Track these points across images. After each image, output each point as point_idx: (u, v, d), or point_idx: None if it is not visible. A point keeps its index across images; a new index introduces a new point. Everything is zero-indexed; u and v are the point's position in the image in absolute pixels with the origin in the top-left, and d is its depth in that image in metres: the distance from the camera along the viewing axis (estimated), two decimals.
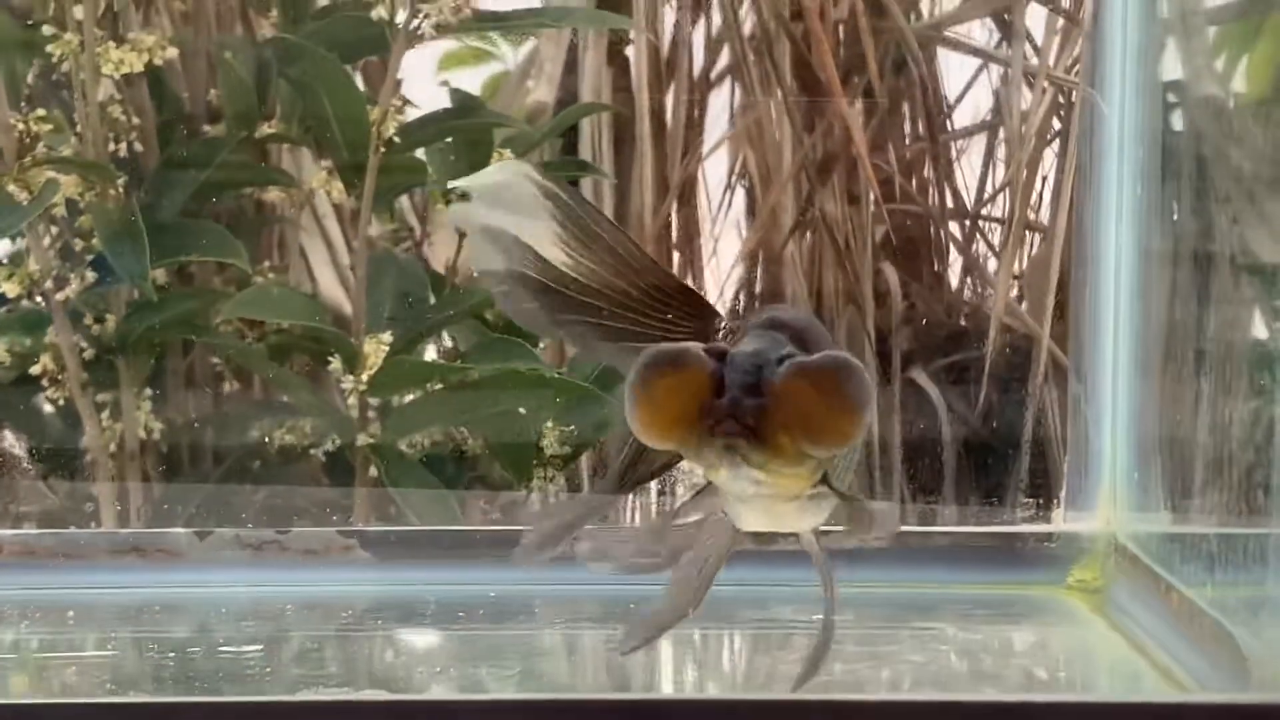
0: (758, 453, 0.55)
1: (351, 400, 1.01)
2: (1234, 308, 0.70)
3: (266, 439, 1.08)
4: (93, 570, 0.77)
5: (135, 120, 1.05)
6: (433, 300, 1.08)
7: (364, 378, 1.00)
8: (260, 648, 0.68)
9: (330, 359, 1.03)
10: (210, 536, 0.78)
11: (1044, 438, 0.98)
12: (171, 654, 0.69)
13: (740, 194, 1.41)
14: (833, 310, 1.40)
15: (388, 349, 1.01)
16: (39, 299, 1.03)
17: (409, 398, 1.03)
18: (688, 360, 0.55)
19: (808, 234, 1.40)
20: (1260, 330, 0.67)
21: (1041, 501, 0.84)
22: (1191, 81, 0.85)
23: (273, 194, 1.14)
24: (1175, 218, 0.80)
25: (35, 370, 1.01)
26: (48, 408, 1.05)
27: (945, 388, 1.27)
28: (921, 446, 1.14)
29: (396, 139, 1.04)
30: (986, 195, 1.44)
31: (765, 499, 0.57)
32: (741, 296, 1.44)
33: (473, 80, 1.24)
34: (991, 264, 1.47)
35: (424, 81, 1.19)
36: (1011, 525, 0.77)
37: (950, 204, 1.42)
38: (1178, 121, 0.85)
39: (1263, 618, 0.60)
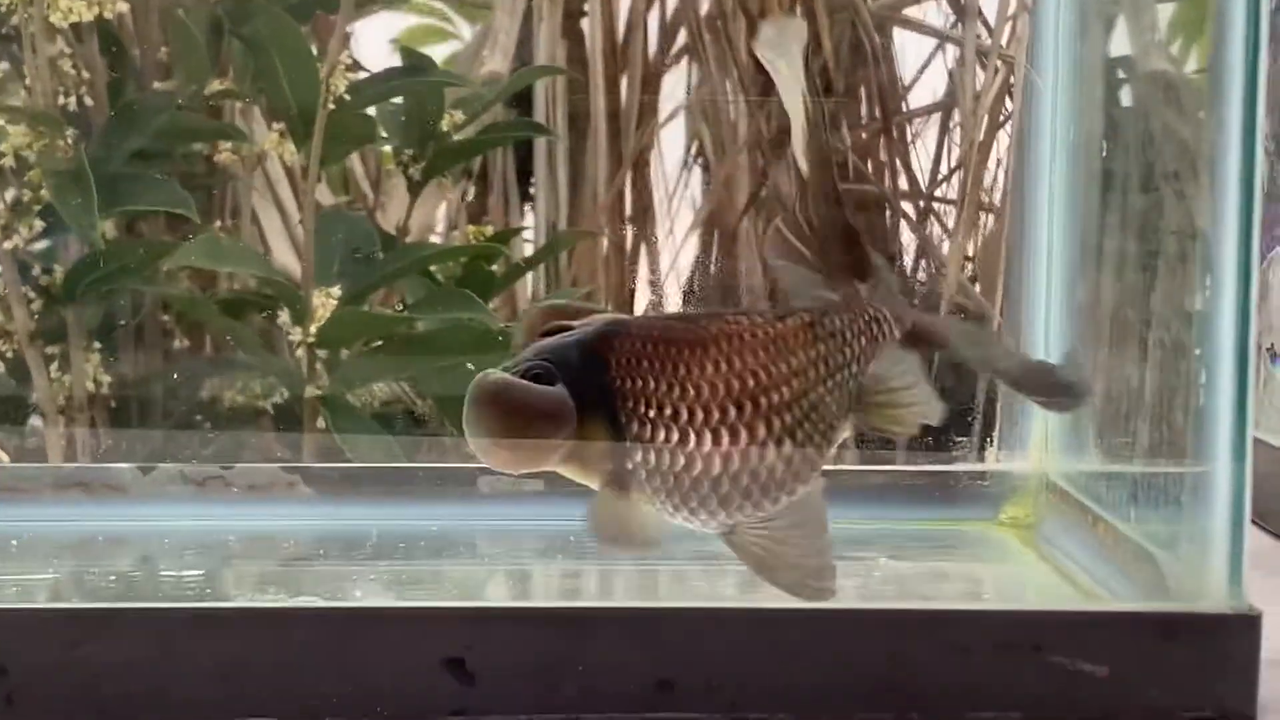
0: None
1: (299, 353, 1.02)
2: (1164, 274, 0.72)
3: (215, 393, 1.09)
4: (38, 505, 0.78)
5: (85, 75, 1.05)
6: (381, 256, 1.09)
7: (311, 330, 1.01)
8: (201, 573, 0.69)
9: (279, 312, 1.04)
10: (154, 472, 0.79)
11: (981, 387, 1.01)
12: (112, 577, 0.69)
13: (695, 171, 1.43)
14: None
15: (336, 303, 1.03)
16: None
17: (357, 352, 1.04)
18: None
19: (762, 211, 1.42)
20: (1185, 293, 0.70)
21: (976, 444, 0.85)
22: (1138, 58, 0.87)
23: (225, 155, 1.15)
24: (1109, 189, 0.82)
25: None
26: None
27: None
28: None
29: (346, 96, 1.05)
30: (941, 176, 1.46)
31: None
32: (696, 272, 1.45)
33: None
34: (945, 244, 1.49)
35: (378, 49, 1.20)
36: (945, 465, 0.78)
37: (905, 185, 1.44)
38: (1123, 98, 0.87)
39: (1181, 542, 0.62)
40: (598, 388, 0.58)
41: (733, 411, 0.59)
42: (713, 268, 1.42)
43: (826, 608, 0.55)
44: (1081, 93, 0.84)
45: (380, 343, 1.04)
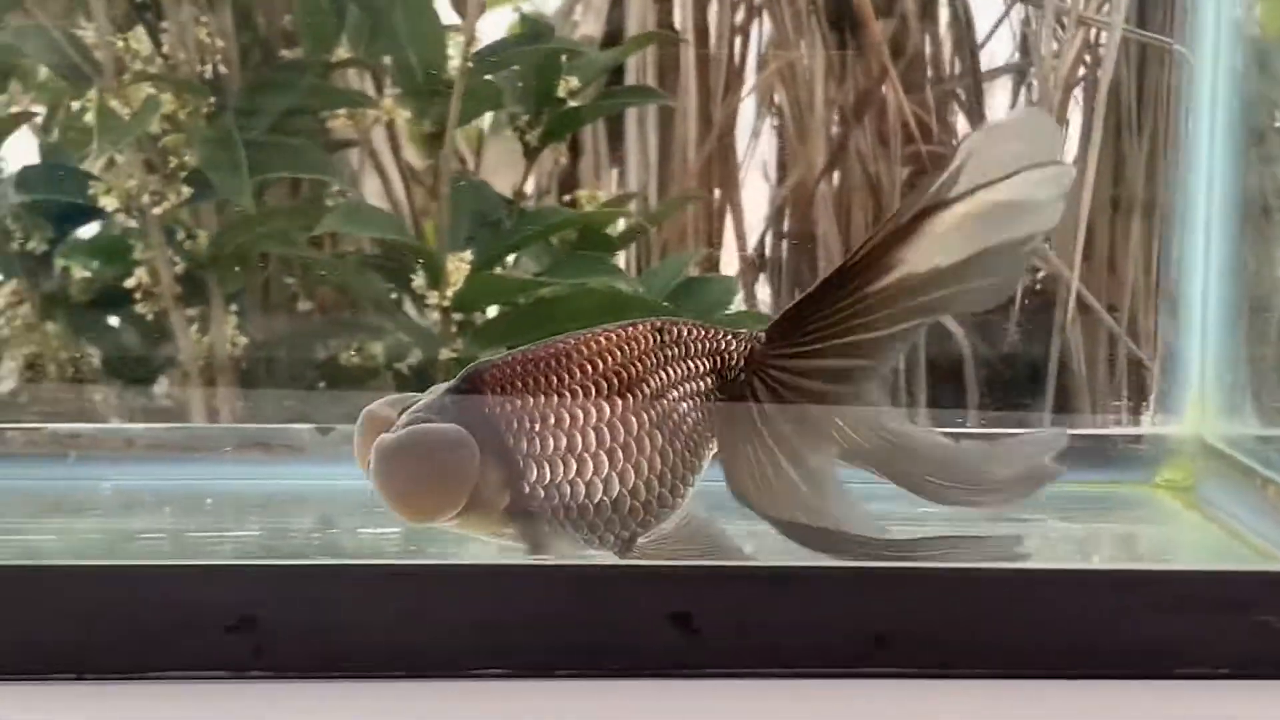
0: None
1: (435, 316, 1.05)
2: None
3: (347, 354, 1.11)
4: (220, 464, 0.81)
5: (219, 43, 1.08)
6: (507, 222, 1.12)
7: (448, 294, 1.04)
8: (397, 529, 0.72)
9: (412, 277, 1.06)
10: (332, 432, 0.81)
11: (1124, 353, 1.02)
12: (315, 535, 0.72)
13: (770, 133, 1.45)
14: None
15: (469, 267, 1.05)
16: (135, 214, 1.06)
17: (490, 314, 1.07)
18: (365, 421, 0.63)
19: (835, 174, 1.44)
20: None
21: (1132, 407, 0.87)
22: None
23: (339, 122, 1.17)
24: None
25: (130, 284, 1.05)
26: (141, 321, 1.08)
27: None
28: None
29: (470, 63, 1.07)
30: None
31: (479, 535, 0.63)
32: (769, 237, 1.47)
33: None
34: None
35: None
36: (1100, 429, 0.80)
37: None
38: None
39: None
40: (481, 420, 0.62)
41: (606, 410, 0.63)
42: (790, 232, 1.44)
43: (1032, 568, 0.57)
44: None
45: (514, 306, 1.06)
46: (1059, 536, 0.72)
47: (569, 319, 1.06)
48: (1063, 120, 1.43)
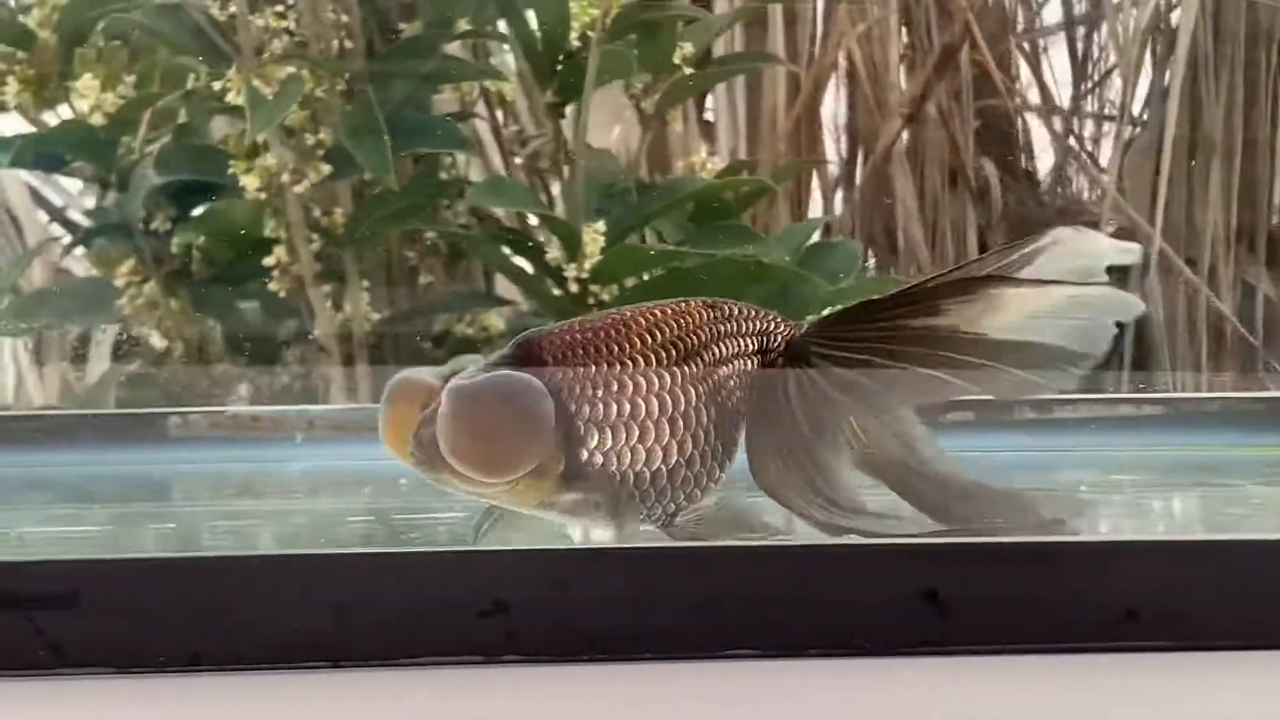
0: (435, 477, 0.61)
1: (573, 288, 1.05)
2: None
3: (481, 328, 1.12)
4: None
5: (344, 19, 1.08)
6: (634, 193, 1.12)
7: (585, 266, 1.04)
8: None
9: (545, 250, 1.06)
10: None
11: None
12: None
13: (847, 95, 1.45)
14: (936, 207, 1.43)
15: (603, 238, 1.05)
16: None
17: (628, 285, 1.07)
18: (401, 388, 0.61)
19: (903, 133, 1.43)
20: None
21: None
22: None
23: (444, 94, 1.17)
24: None
25: (269, 261, 1.05)
26: (276, 298, 1.09)
27: None
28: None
29: (590, 33, 1.07)
30: (1081, 90, 1.47)
31: (521, 508, 0.63)
32: (842, 193, 1.47)
33: None
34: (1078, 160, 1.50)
35: None
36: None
37: (1039, 99, 1.45)
38: None
39: None
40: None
41: (666, 379, 0.63)
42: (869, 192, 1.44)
43: None
44: None
45: (649, 277, 1.06)
46: (1262, 502, 0.72)
47: (707, 288, 1.07)
48: (1137, 73, 1.43)
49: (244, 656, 0.58)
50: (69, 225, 1.39)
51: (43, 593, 0.57)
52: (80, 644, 0.57)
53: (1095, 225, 1.39)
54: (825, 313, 0.66)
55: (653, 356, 0.63)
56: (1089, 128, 1.50)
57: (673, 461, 0.63)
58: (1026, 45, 1.52)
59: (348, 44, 1.08)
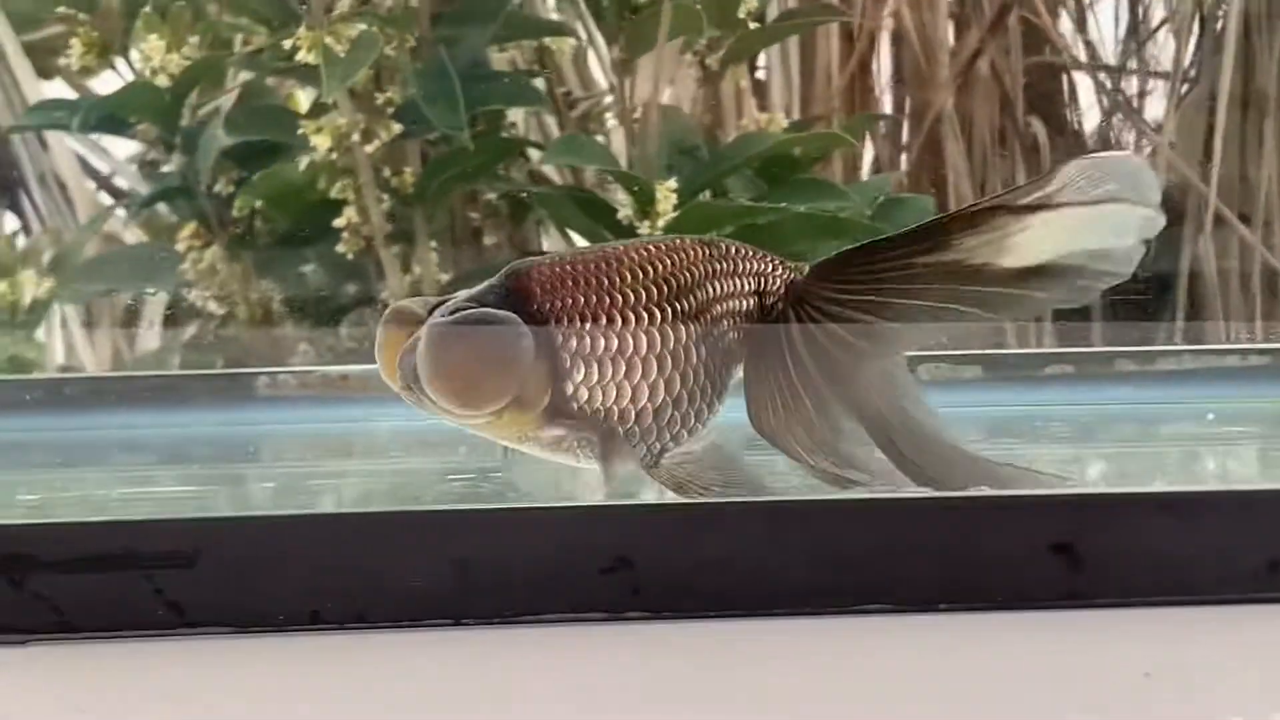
0: (419, 406, 0.60)
1: None
2: None
3: None
4: None
5: None
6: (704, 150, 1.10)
7: (659, 223, 1.03)
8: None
9: (618, 207, 1.05)
10: None
11: None
12: None
13: (891, 49, 1.43)
14: (985, 166, 1.42)
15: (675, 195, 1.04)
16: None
17: None
18: (393, 317, 0.61)
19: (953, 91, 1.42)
20: None
21: None
22: None
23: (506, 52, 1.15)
24: None
25: (339, 222, 1.04)
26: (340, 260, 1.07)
27: None
28: None
29: None
30: (1131, 46, 1.45)
31: (506, 440, 0.62)
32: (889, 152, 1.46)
33: None
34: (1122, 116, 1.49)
35: None
36: None
37: (1084, 55, 1.43)
38: None
39: None
40: (528, 315, 0.60)
41: (656, 314, 0.62)
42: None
43: None
44: None
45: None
46: None
47: (783, 244, 1.05)
48: (1189, 28, 1.42)
49: (365, 615, 0.57)
50: (115, 192, 1.38)
51: (162, 552, 0.56)
52: (200, 603, 0.56)
53: None
54: (824, 259, 0.64)
55: (643, 292, 0.62)
56: (1138, 84, 1.48)
57: (659, 399, 0.62)
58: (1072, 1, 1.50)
59: (411, 1, 1.07)
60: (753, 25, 1.13)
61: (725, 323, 0.63)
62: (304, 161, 1.04)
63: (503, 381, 0.60)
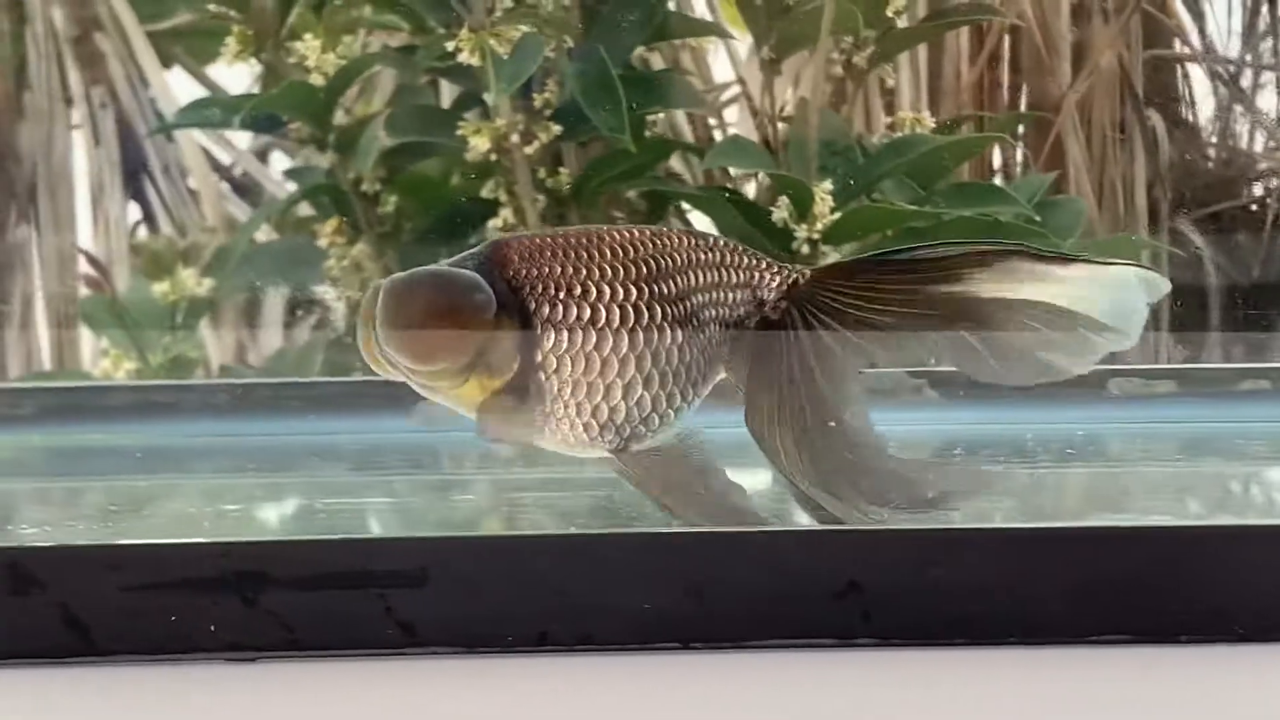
0: (379, 368, 0.61)
1: (803, 249, 1.03)
2: None
3: None
4: None
5: None
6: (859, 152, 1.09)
7: (817, 226, 1.02)
8: None
9: (773, 209, 1.04)
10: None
11: None
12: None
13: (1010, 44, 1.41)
14: (1103, 161, 1.40)
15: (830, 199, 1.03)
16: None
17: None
18: (371, 292, 0.61)
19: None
20: None
21: None
22: None
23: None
24: None
25: (495, 223, 1.04)
26: None
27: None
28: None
29: None
30: (1251, 39, 1.43)
31: (462, 406, 0.62)
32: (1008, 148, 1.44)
33: None
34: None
35: None
36: None
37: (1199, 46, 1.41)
38: None
39: None
40: (502, 281, 0.60)
41: (634, 292, 0.62)
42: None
43: None
44: None
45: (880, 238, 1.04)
46: None
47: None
48: None
49: (593, 636, 0.57)
50: (239, 186, 1.38)
51: (393, 571, 0.56)
52: (429, 623, 0.56)
53: (1269, 176, 1.36)
54: (826, 263, 0.64)
55: (622, 270, 0.62)
56: (1258, 77, 1.46)
57: (629, 376, 0.61)
58: None
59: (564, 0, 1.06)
60: (900, 23, 1.12)
61: (707, 314, 0.63)
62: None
63: (455, 337, 0.60)
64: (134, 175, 1.36)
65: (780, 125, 1.10)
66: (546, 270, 0.61)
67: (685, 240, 0.63)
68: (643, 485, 0.63)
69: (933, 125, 1.15)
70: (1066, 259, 0.61)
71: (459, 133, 1.00)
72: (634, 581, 0.56)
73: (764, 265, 0.64)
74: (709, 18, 1.14)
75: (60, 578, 0.55)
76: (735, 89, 1.21)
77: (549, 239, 0.62)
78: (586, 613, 0.56)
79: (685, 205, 1.10)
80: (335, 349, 1.15)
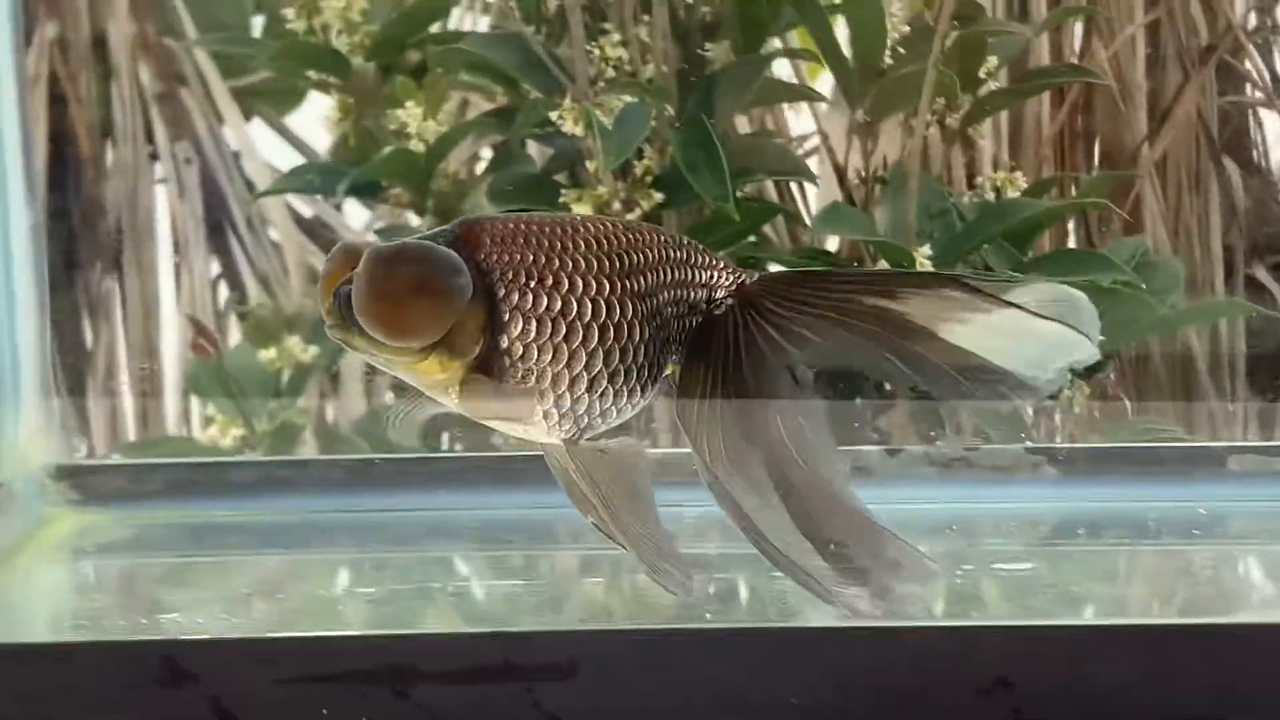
0: (345, 339, 0.60)
1: None
2: None
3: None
4: None
5: (659, 42, 1.06)
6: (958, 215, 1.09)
7: None
8: (1029, 566, 0.70)
9: None
10: (900, 454, 0.80)
11: None
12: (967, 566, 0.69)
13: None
14: (1178, 211, 1.39)
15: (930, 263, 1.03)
16: None
17: None
18: (340, 251, 0.61)
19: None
20: None
21: None
22: None
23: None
24: None
25: None
26: None
27: None
28: None
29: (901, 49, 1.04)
30: None
31: (427, 387, 0.61)
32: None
33: None
34: None
35: None
36: None
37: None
38: None
39: None
40: (473, 262, 0.60)
41: (605, 285, 0.62)
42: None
43: None
44: None
45: None
46: None
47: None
48: None
49: None
50: (316, 236, 1.39)
51: (541, 664, 0.56)
52: (577, 715, 0.57)
53: None
54: (774, 269, 0.65)
55: (595, 262, 0.62)
56: None
57: (595, 369, 0.61)
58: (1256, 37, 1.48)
59: (660, 68, 1.07)
60: (993, 85, 1.12)
61: (669, 310, 0.63)
62: None
63: (433, 315, 0.59)
64: (217, 229, 1.37)
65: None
66: (519, 257, 0.61)
67: (656, 237, 0.64)
68: (584, 478, 0.63)
69: (1025, 185, 1.15)
70: (1002, 301, 0.61)
71: (561, 199, 1.01)
72: (780, 675, 0.57)
73: (721, 265, 0.65)
74: (793, 78, 1.15)
75: (213, 670, 0.56)
76: (811, 141, 1.22)
77: (522, 224, 0.62)
78: (733, 707, 0.56)
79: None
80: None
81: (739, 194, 1.04)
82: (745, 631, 0.58)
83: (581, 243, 0.62)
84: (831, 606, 0.60)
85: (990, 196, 1.12)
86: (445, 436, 0.96)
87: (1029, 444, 0.79)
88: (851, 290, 0.62)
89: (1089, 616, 0.59)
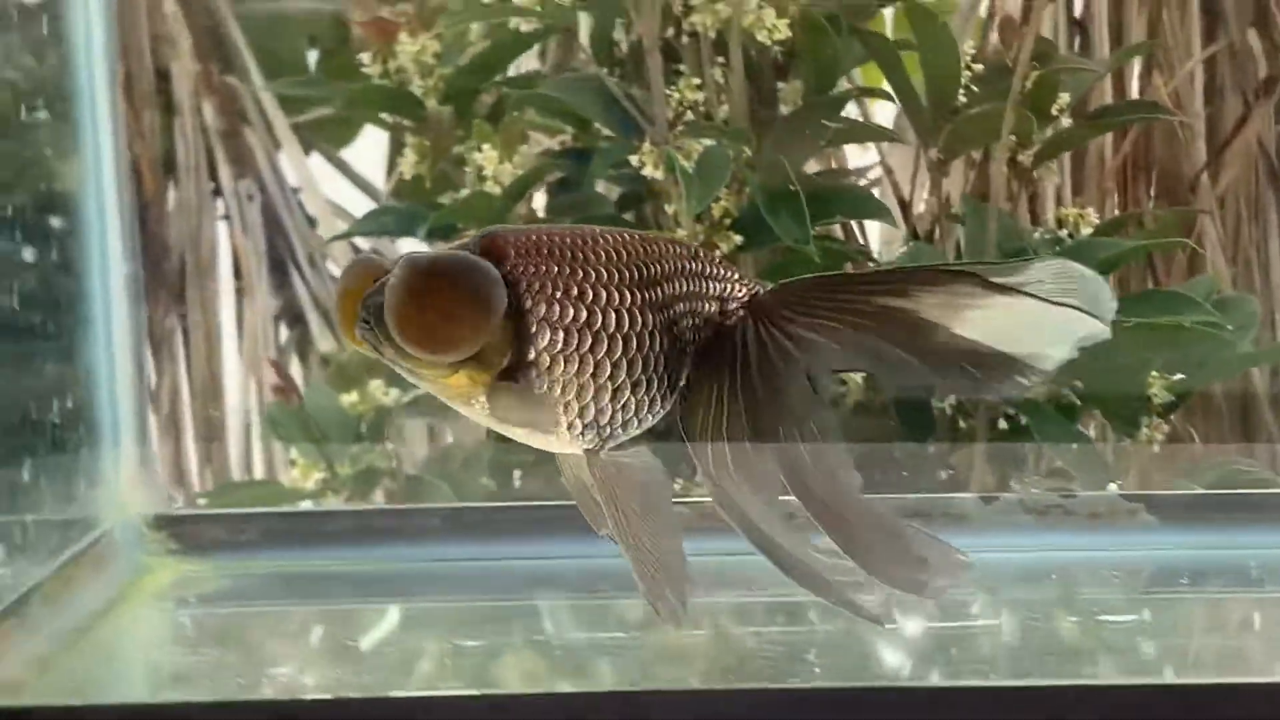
0: (378, 352, 0.59)
1: None
2: None
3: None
4: None
5: (733, 83, 1.06)
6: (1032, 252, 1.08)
7: None
8: (1134, 617, 0.69)
9: None
10: (996, 502, 0.80)
11: None
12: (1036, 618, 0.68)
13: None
14: (1237, 240, 1.38)
15: None
16: None
17: None
18: (358, 265, 0.60)
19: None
20: None
21: None
22: None
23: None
24: None
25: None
26: None
27: None
28: None
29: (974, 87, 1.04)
30: None
31: (451, 399, 0.61)
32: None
33: None
34: None
35: None
36: None
37: None
38: None
39: None
40: (500, 275, 0.59)
41: (628, 296, 0.62)
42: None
43: None
44: None
45: None
46: None
47: (1120, 352, 1.03)
48: None
49: None
50: None
51: None
52: None
53: None
54: (789, 279, 0.65)
55: (616, 273, 0.62)
56: None
57: (620, 379, 0.62)
58: None
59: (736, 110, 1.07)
60: (1066, 121, 1.12)
61: (686, 321, 0.63)
62: None
63: (474, 328, 0.59)
64: (279, 264, 1.38)
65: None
66: (544, 268, 0.61)
67: (673, 248, 0.64)
68: (602, 489, 0.63)
69: (1097, 222, 1.15)
70: (1014, 291, 0.60)
71: None
72: None
73: (736, 277, 0.65)
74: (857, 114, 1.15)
75: None
76: (870, 173, 1.22)
77: (543, 235, 0.62)
78: None
79: None
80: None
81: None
82: (907, 690, 0.58)
83: (602, 254, 0.62)
84: (843, 610, 0.60)
85: (1061, 233, 1.12)
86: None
87: (1122, 491, 0.79)
88: (863, 292, 0.62)
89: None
